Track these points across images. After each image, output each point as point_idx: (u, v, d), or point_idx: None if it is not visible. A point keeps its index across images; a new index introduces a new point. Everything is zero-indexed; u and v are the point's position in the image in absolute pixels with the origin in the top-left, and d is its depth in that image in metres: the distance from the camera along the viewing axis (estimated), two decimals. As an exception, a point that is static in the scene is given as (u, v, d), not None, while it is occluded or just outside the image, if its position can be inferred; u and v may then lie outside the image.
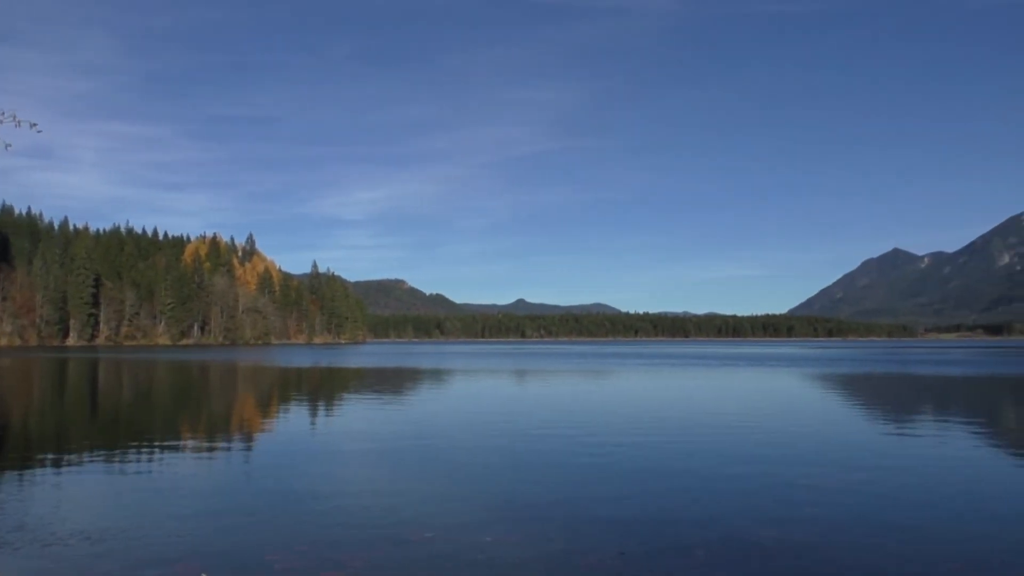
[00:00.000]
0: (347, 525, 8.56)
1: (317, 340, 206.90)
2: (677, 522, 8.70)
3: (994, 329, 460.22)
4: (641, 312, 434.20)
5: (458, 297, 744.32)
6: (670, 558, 7.31)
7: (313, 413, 21.92)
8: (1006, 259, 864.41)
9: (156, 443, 15.09)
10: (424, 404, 25.25)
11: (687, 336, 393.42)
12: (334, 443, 15.49)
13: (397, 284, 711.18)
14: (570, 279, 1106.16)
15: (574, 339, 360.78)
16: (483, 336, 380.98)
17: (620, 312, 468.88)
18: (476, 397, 27.99)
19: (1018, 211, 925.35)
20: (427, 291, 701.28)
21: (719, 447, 14.63)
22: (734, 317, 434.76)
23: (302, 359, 70.45)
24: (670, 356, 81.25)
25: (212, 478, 11.56)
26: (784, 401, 26.65)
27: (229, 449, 14.59)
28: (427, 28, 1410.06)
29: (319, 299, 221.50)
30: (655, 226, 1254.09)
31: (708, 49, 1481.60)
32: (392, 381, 37.75)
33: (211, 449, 14.49)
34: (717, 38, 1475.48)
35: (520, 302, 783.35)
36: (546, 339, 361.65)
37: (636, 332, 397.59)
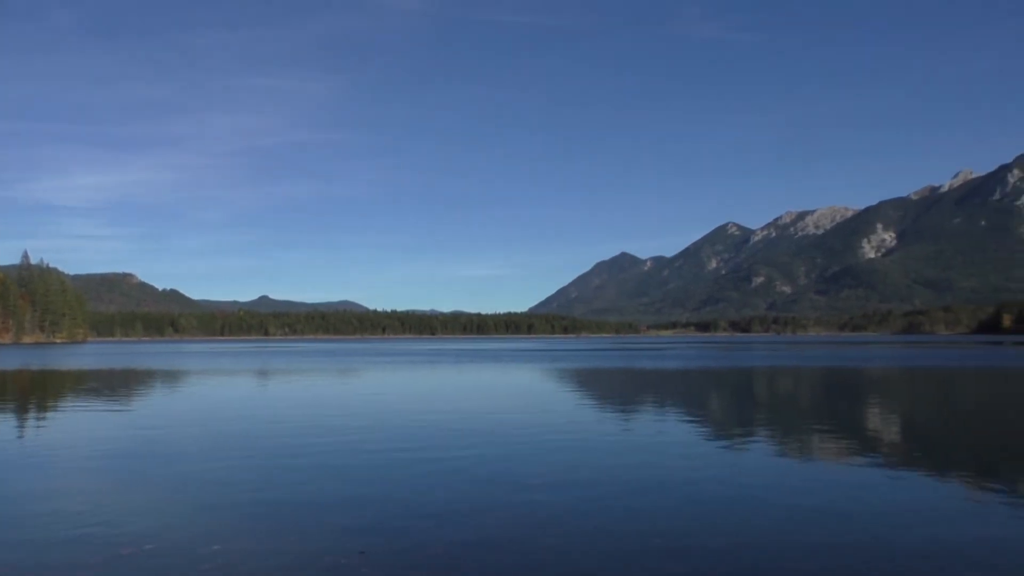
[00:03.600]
0: (57, 541, 7.85)
1: (27, 340, 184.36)
2: (417, 519, 8.93)
3: (703, 326, 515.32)
4: (389, 310, 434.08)
5: (195, 293, 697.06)
6: (410, 555, 7.50)
7: (21, 422, 19.65)
8: (714, 264, 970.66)
9: None
10: (151, 409, 23.57)
11: (434, 334, 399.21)
12: (46, 454, 14.01)
13: (126, 278, 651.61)
14: (316, 275, 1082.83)
15: (320, 337, 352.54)
16: (223, 334, 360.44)
17: (367, 310, 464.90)
18: (209, 400, 26.57)
19: (724, 222, 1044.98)
20: (160, 286, 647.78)
21: (460, 443, 15.12)
22: (479, 315, 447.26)
23: (8, 360, 62.58)
24: (416, 353, 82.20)
25: None
26: (521, 395, 28.04)
27: (-90, 467, 12.71)
28: (163, 2, 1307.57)
29: (30, 294, 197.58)
30: (402, 224, 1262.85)
31: (457, 52, 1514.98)
32: (115, 384, 34.76)
33: None
34: (465, 42, 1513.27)
35: (263, 299, 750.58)
36: (291, 337, 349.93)
37: (384, 330, 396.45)
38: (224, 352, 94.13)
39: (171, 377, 39.85)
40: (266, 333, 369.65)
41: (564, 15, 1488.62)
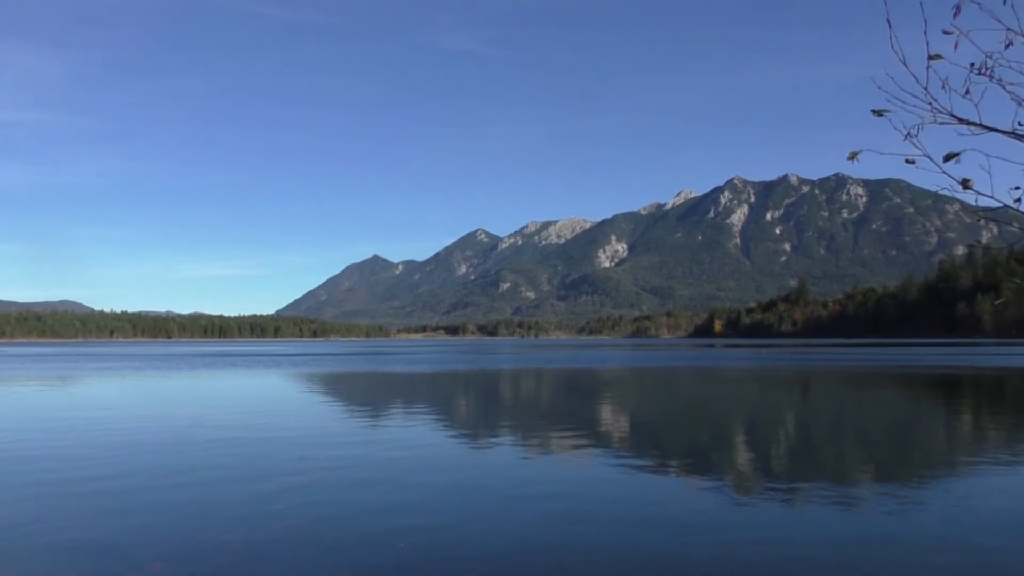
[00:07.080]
0: None
1: None
2: (137, 542, 8.21)
3: (452, 330, 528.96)
4: (118, 311, 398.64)
5: None
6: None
7: None
8: (463, 269, 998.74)
9: None
10: None
11: (170, 337, 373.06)
12: None
13: None
14: (30, 271, 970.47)
15: (35, 340, 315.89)
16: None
17: (93, 310, 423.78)
18: None
19: (473, 228, 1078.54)
20: None
21: (198, 458, 14.17)
22: (220, 317, 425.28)
23: None
24: (146, 357, 76.04)
25: None
26: (262, 401, 26.90)
27: None
28: None
29: None
30: (135, 217, 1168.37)
31: (199, 38, 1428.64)
32: None
33: None
34: (208, 28, 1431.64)
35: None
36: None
37: (112, 333, 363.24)
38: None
39: None
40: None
41: (314, 12, 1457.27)
